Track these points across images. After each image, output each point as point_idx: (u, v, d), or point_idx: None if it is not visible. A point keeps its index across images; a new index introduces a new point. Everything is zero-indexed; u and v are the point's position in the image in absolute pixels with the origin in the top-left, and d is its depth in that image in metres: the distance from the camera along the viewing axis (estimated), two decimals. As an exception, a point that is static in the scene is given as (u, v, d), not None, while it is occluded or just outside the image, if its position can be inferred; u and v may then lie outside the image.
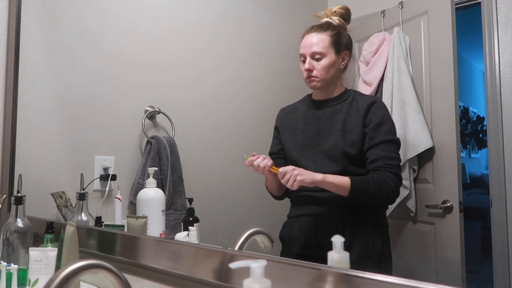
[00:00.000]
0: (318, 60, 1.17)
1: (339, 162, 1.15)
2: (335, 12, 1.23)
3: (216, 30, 1.78)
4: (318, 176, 1.07)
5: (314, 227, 1.16)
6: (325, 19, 1.23)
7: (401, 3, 1.72)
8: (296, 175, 1.05)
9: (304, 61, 1.19)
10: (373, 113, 1.16)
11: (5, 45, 1.37)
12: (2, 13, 1.38)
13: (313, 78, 1.18)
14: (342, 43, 1.19)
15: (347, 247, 1.10)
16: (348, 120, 1.17)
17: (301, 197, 1.20)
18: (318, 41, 1.18)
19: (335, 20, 1.22)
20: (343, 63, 1.21)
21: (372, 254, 1.15)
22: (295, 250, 1.19)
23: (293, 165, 1.21)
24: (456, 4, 1.55)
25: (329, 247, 1.16)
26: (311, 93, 1.28)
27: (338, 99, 1.22)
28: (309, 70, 1.18)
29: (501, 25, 1.56)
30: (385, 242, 1.19)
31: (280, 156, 1.28)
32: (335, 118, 1.19)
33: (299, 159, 1.20)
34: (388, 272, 1.17)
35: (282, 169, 1.07)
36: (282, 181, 1.07)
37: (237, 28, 1.86)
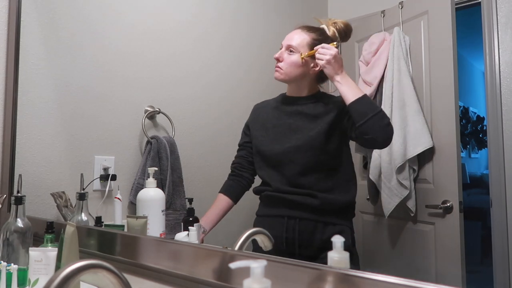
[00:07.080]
0: (289, 54, 1.19)
1: (311, 157, 1.16)
2: (335, 23, 1.22)
3: (214, 27, 1.78)
4: (340, 74, 1.11)
5: (285, 228, 1.17)
6: (322, 26, 1.23)
7: (401, 3, 1.72)
8: (329, 60, 1.09)
9: None
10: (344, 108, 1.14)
11: (5, 45, 1.37)
12: (2, 13, 1.37)
13: (277, 69, 1.21)
14: None
15: (318, 249, 1.11)
16: (320, 116, 1.18)
17: (272, 197, 1.21)
18: (298, 37, 1.20)
19: (330, 30, 1.21)
20: (315, 68, 1.18)
21: None
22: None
23: (263, 159, 1.24)
24: (456, 4, 1.55)
25: (300, 247, 1.18)
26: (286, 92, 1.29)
27: (311, 98, 1.22)
28: (277, 60, 1.21)
29: (501, 25, 1.55)
30: (353, 243, 1.21)
31: (245, 148, 1.32)
32: (308, 115, 1.19)
33: (270, 154, 1.21)
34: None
35: (323, 49, 1.12)
36: (317, 53, 1.12)
37: (235, 25, 1.86)
